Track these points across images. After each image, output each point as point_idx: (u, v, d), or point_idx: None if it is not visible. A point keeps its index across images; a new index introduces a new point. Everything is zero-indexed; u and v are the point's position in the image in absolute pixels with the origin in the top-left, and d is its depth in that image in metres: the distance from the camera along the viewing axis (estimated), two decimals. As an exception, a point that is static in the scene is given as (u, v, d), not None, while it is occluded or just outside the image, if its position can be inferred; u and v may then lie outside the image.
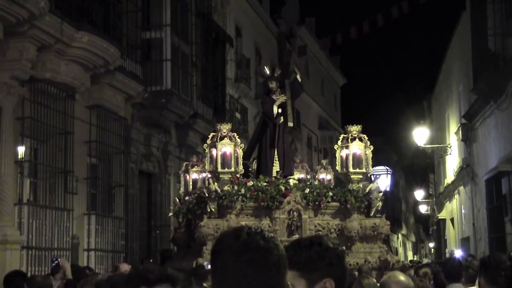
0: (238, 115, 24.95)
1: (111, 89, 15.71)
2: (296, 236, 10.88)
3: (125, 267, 9.14)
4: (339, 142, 12.08)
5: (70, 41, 13.39)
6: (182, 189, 13.27)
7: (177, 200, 13.17)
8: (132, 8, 16.68)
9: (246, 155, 13.40)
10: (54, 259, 9.39)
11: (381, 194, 11.89)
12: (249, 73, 26.75)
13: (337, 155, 12.08)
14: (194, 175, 13.02)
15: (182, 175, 13.35)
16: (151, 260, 15.22)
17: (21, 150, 12.76)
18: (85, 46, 13.80)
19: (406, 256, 58.00)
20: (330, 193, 11.65)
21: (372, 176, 14.11)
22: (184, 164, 13.59)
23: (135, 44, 16.97)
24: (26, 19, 11.93)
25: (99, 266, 14.90)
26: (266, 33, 29.90)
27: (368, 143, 11.96)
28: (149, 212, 18.82)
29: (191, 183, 13.02)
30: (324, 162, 14.51)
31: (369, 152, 11.93)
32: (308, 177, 13.16)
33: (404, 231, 60.50)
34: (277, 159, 12.59)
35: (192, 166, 13.12)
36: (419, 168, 43.81)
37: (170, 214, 14.07)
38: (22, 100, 12.69)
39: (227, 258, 2.18)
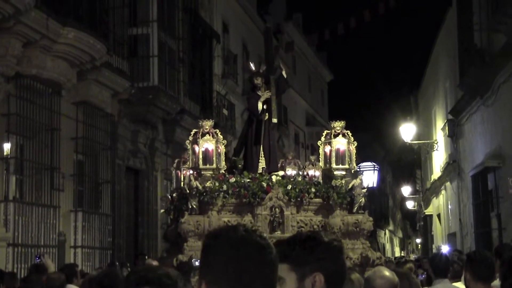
0: (225, 111, 24.90)
1: (97, 85, 15.67)
2: (278, 232, 10.90)
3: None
4: (323, 138, 12.00)
5: (56, 37, 13.33)
6: (174, 186, 13.20)
7: (169, 196, 13.08)
8: (119, 3, 16.65)
9: (237, 152, 13.37)
10: (37, 256, 9.35)
11: (364, 190, 11.85)
12: (236, 69, 26.72)
13: (320, 151, 12.01)
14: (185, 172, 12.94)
15: (173, 172, 13.28)
16: (146, 257, 15.18)
17: (6, 146, 12.70)
18: (71, 42, 13.75)
19: (393, 252, 58.18)
20: (313, 189, 11.61)
21: (356, 172, 14.06)
22: (176, 161, 13.53)
23: (121, 40, 16.94)
24: (11, 15, 11.87)
25: (86, 263, 14.88)
26: (253, 29, 29.85)
27: (352, 139, 11.85)
28: (136, 209, 18.77)
29: (182, 180, 12.95)
30: (312, 158, 14.48)
31: (352, 148, 11.84)
32: (300, 173, 13.10)
33: (391, 227, 60.66)
34: (263, 155, 12.56)
35: (184, 163, 13.04)
36: (406, 164, 43.89)
37: (162, 211, 14.01)
38: (8, 96, 12.64)
39: (225, 253, 2.15)
